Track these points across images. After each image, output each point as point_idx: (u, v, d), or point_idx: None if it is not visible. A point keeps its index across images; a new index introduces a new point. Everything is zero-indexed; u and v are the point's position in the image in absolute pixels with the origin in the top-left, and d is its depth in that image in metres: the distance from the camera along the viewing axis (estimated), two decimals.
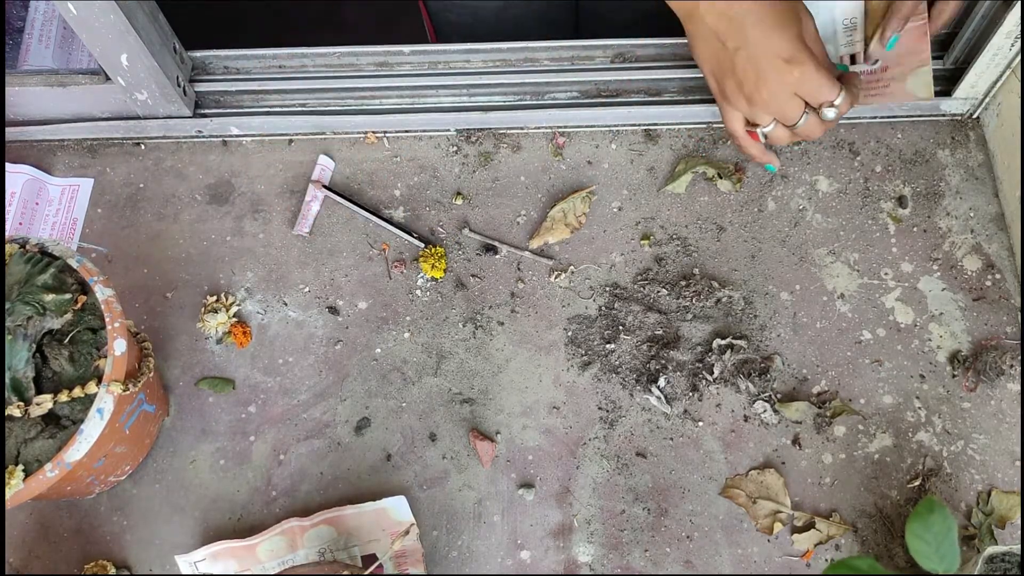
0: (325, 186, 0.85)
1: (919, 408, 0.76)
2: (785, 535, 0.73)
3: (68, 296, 0.67)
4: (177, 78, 0.83)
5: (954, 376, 0.77)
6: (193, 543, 0.74)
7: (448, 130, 0.88)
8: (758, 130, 0.71)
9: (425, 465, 0.76)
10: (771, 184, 0.85)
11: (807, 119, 0.70)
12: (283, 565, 0.73)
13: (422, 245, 0.82)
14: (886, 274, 0.81)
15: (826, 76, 0.68)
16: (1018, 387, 0.76)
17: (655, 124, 0.87)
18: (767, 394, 0.77)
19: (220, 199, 0.87)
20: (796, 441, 0.76)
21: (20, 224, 0.84)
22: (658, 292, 0.81)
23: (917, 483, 0.74)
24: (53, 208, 0.86)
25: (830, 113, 0.69)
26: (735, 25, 0.66)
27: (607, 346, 0.79)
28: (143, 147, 0.89)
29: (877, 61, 0.78)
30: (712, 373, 0.77)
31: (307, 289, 0.83)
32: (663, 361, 0.78)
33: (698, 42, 0.70)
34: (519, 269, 0.83)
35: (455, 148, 0.87)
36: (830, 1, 0.78)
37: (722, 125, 0.86)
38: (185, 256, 0.84)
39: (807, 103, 0.69)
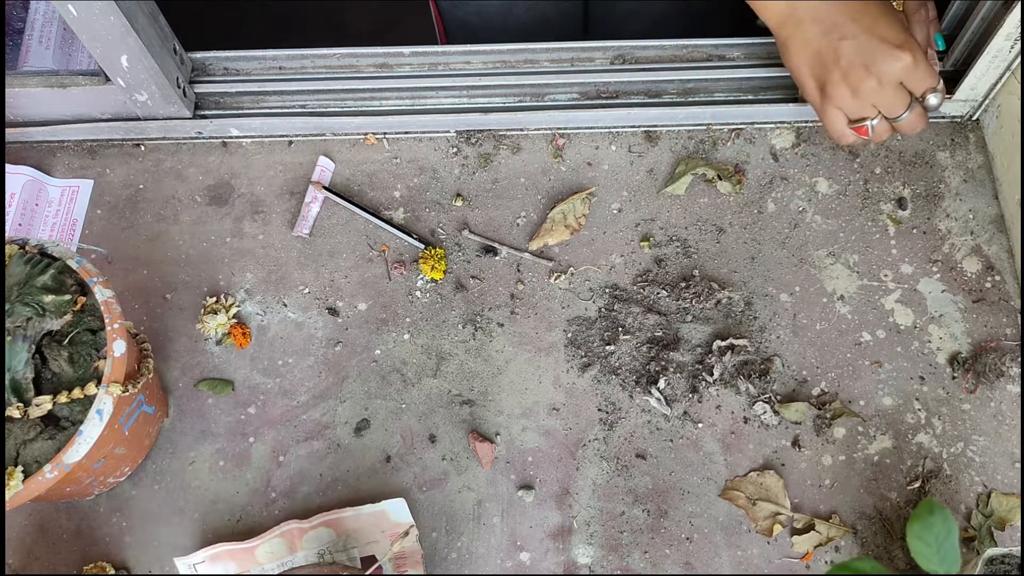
0: (325, 187, 0.85)
1: (919, 410, 0.76)
2: (785, 537, 0.73)
3: (67, 297, 0.67)
4: (177, 79, 0.83)
5: (954, 378, 0.77)
6: (192, 545, 0.74)
7: (448, 131, 0.88)
8: (866, 123, 0.71)
9: (425, 467, 0.76)
10: (771, 186, 0.85)
11: (911, 111, 0.70)
12: (282, 567, 0.73)
13: (422, 246, 0.82)
14: (886, 276, 0.81)
15: (928, 63, 0.69)
16: (1018, 389, 0.76)
17: (655, 126, 0.87)
18: (767, 396, 0.77)
19: (220, 200, 0.86)
20: (796, 443, 0.76)
21: (20, 225, 0.84)
22: (658, 294, 0.81)
23: (917, 485, 0.73)
24: (53, 209, 0.86)
25: (934, 99, 0.70)
26: (841, 16, 0.67)
27: (607, 348, 0.79)
28: (143, 148, 0.89)
29: None
30: (712, 375, 0.77)
31: (307, 290, 0.82)
32: (663, 363, 0.78)
33: (794, 44, 0.70)
34: (519, 271, 0.83)
35: (455, 149, 0.87)
36: None
37: (722, 126, 0.87)
38: (185, 257, 0.84)
39: (911, 95, 0.69)
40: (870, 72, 0.68)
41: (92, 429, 0.63)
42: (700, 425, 0.76)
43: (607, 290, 0.81)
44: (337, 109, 0.87)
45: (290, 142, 0.88)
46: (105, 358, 0.65)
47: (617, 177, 0.86)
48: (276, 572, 0.72)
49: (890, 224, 0.83)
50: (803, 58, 0.70)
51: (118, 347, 0.65)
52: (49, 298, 0.66)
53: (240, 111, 0.87)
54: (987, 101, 0.83)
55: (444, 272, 0.82)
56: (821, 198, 0.84)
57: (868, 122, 0.71)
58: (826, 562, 0.72)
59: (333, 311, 0.82)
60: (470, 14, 1.03)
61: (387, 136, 0.88)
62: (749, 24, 0.89)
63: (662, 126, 0.87)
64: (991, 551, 0.66)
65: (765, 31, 0.82)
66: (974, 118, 0.86)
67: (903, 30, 0.68)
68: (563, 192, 0.85)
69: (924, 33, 0.77)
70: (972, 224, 0.82)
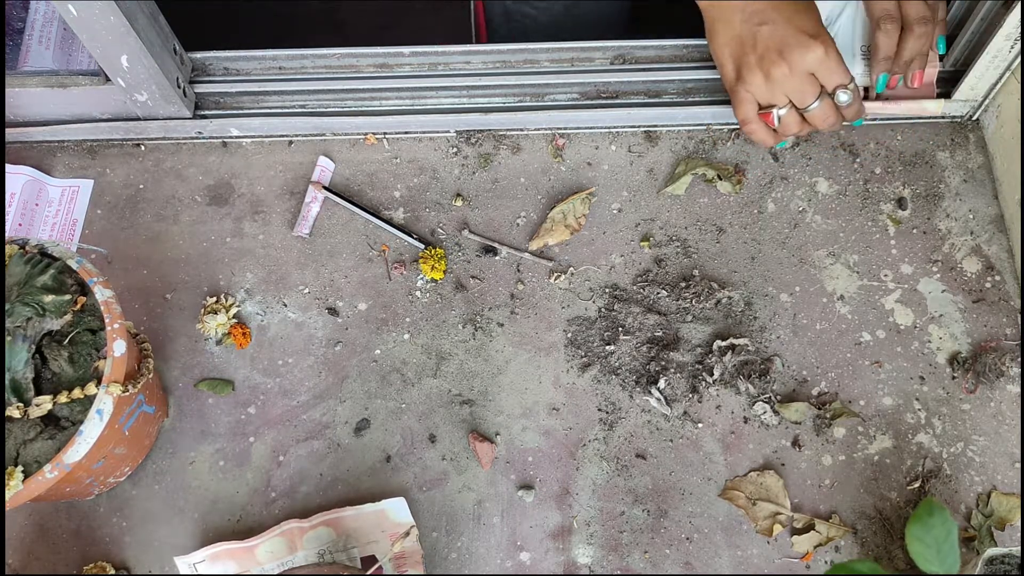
0: (325, 187, 0.85)
1: (919, 410, 0.76)
2: (785, 537, 0.73)
3: (68, 297, 0.67)
4: (177, 79, 0.83)
5: (954, 378, 0.77)
6: (192, 544, 0.74)
7: (448, 131, 0.88)
8: (773, 112, 0.72)
9: (425, 466, 0.76)
10: (771, 186, 0.85)
11: (820, 103, 0.71)
12: (282, 567, 0.73)
13: (422, 246, 0.82)
14: (886, 276, 0.81)
15: (841, 60, 0.71)
16: (1018, 389, 0.76)
17: (655, 126, 0.87)
18: (767, 396, 0.77)
19: (220, 200, 0.86)
20: (796, 443, 0.76)
21: (20, 225, 0.84)
22: (658, 293, 0.81)
23: (917, 485, 0.73)
24: (53, 209, 0.86)
25: (844, 96, 0.72)
26: (764, 4, 0.70)
27: (607, 347, 0.79)
28: (143, 148, 0.89)
29: (888, 98, 0.82)
30: (712, 375, 0.77)
31: (307, 290, 0.82)
32: (663, 362, 0.78)
33: (719, 26, 0.73)
34: (519, 271, 0.83)
35: (455, 149, 0.87)
36: (850, 25, 0.80)
37: (722, 126, 0.87)
38: (185, 257, 0.84)
39: (822, 88, 0.72)
40: (783, 58, 0.70)
41: (92, 429, 0.63)
42: (700, 425, 0.76)
43: (607, 290, 0.81)
44: (337, 109, 0.87)
45: (290, 142, 0.88)
46: (105, 358, 0.65)
47: (617, 177, 0.86)
48: (276, 572, 0.72)
49: (890, 224, 0.83)
50: (725, 39, 0.73)
51: (118, 347, 0.65)
52: (49, 298, 0.66)
53: (240, 111, 0.87)
54: (987, 101, 0.83)
55: (444, 272, 0.82)
56: (821, 198, 0.84)
57: (776, 110, 0.73)
58: (826, 562, 0.72)
59: (333, 311, 0.82)
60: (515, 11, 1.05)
61: (387, 136, 0.88)
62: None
63: (662, 126, 0.87)
64: (991, 551, 0.66)
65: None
66: (974, 118, 0.86)
67: (819, 23, 0.71)
68: (563, 192, 0.85)
69: (926, 39, 0.76)
70: (972, 224, 0.82)
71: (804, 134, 0.76)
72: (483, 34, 1.16)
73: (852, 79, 0.72)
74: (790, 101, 0.73)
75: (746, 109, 0.75)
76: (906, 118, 0.85)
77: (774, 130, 0.76)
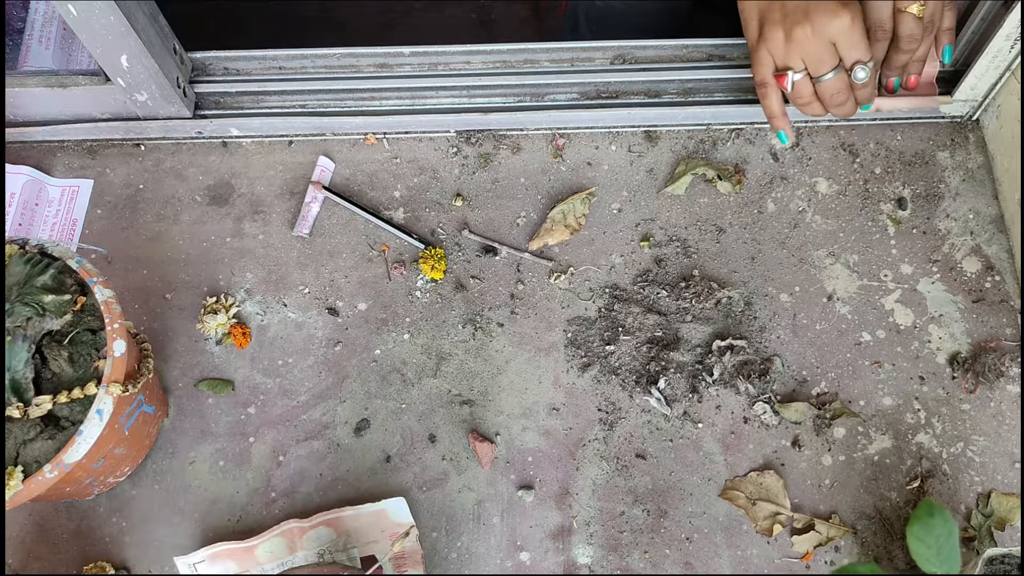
0: (325, 187, 0.85)
1: (919, 410, 0.76)
2: (785, 537, 0.73)
3: (67, 297, 0.67)
4: (177, 79, 0.83)
5: (954, 378, 0.77)
6: (192, 544, 0.74)
7: (448, 131, 0.88)
8: (787, 76, 0.72)
9: (424, 466, 0.76)
10: (771, 186, 0.85)
11: (835, 75, 0.71)
12: (282, 567, 0.73)
13: (422, 246, 0.82)
14: (886, 276, 0.81)
15: (865, 35, 0.70)
16: (1018, 389, 0.76)
17: (655, 125, 0.87)
18: (767, 396, 0.77)
19: (220, 200, 0.86)
20: (796, 443, 0.76)
21: (20, 225, 0.84)
22: (658, 293, 0.81)
23: (915, 485, 0.73)
24: (53, 209, 0.86)
25: (861, 74, 0.72)
26: None
27: (607, 347, 0.79)
28: (143, 148, 0.89)
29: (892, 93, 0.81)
30: (712, 375, 0.77)
31: (307, 290, 0.82)
32: (663, 363, 0.78)
33: None
34: (519, 271, 0.83)
35: (455, 149, 0.87)
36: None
37: (722, 126, 0.87)
38: (185, 257, 0.84)
39: (840, 60, 0.71)
40: (808, 19, 0.70)
41: (92, 429, 0.63)
42: (700, 425, 0.76)
43: (607, 290, 0.81)
44: (337, 109, 0.86)
45: (290, 142, 0.88)
46: (105, 358, 0.65)
47: (617, 177, 0.86)
48: (276, 572, 0.72)
49: (890, 224, 0.83)
50: None
51: (118, 347, 0.65)
52: (49, 298, 0.66)
53: (240, 111, 0.87)
54: (987, 101, 0.83)
55: (444, 272, 0.82)
56: (821, 198, 0.84)
57: (791, 74, 0.73)
58: (826, 562, 0.72)
59: (333, 311, 0.82)
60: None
61: (387, 136, 0.88)
62: None
63: (662, 126, 0.87)
64: (991, 551, 0.66)
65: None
66: (974, 118, 0.86)
67: None
68: (563, 192, 0.85)
69: (928, 46, 0.75)
70: (972, 224, 0.82)
71: (816, 113, 0.75)
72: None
73: (872, 58, 0.71)
74: (806, 69, 0.72)
75: (764, 71, 0.74)
76: (916, 113, 0.85)
77: (785, 101, 0.75)
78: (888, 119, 0.86)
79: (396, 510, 0.73)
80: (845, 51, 0.71)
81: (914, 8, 0.72)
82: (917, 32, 0.73)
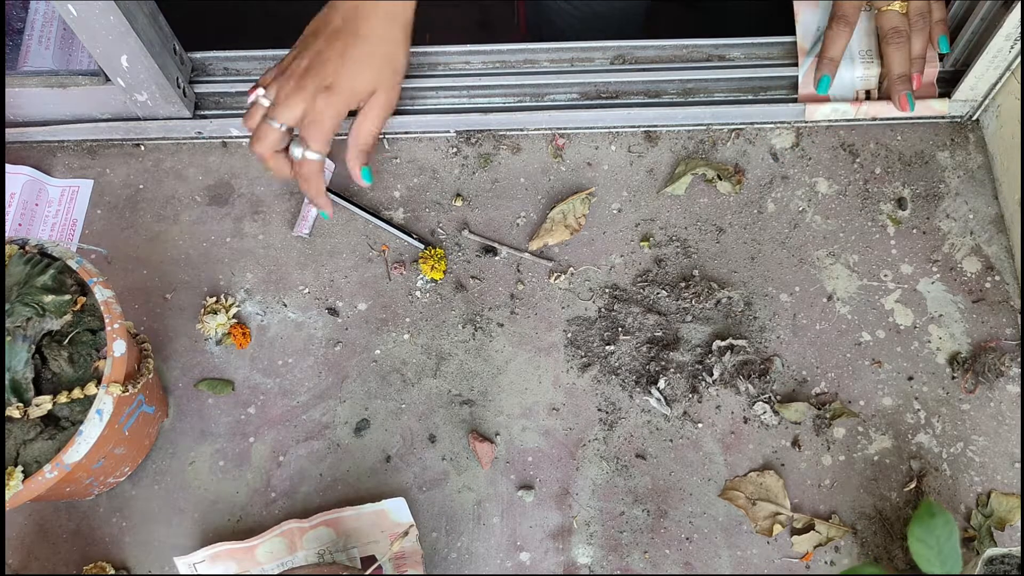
0: (327, 189, 0.85)
1: (918, 410, 0.76)
2: (784, 537, 0.73)
3: (67, 297, 0.67)
4: (177, 79, 0.83)
5: (954, 378, 0.77)
6: (192, 545, 0.74)
7: (448, 132, 0.88)
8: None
9: (424, 467, 0.76)
10: (771, 186, 0.85)
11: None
12: (282, 567, 0.73)
13: (422, 246, 0.82)
14: (886, 276, 0.81)
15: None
16: (1018, 389, 0.76)
17: (655, 126, 0.87)
18: (767, 396, 0.77)
19: (220, 200, 0.86)
20: (796, 443, 0.76)
21: (19, 225, 0.84)
22: (658, 294, 0.81)
23: (913, 485, 0.73)
24: (53, 209, 0.86)
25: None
26: None
27: (607, 348, 0.79)
28: (143, 148, 0.89)
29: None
30: (712, 375, 0.77)
31: (307, 290, 0.82)
32: (663, 363, 0.78)
33: None
34: (519, 271, 0.83)
35: (455, 150, 0.87)
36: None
37: (722, 126, 0.87)
38: (185, 257, 0.84)
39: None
40: None
41: (92, 429, 0.63)
42: (700, 425, 0.76)
43: (607, 290, 0.81)
44: None
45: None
46: (105, 358, 0.65)
47: (617, 177, 0.86)
48: (276, 572, 0.72)
49: (890, 224, 0.83)
50: None
51: (118, 347, 0.65)
52: (49, 298, 0.66)
53: (240, 111, 0.87)
54: (987, 101, 0.83)
55: (444, 272, 0.82)
56: (821, 198, 0.84)
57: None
58: (826, 562, 0.72)
59: (333, 311, 0.82)
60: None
61: (387, 136, 0.88)
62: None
63: (662, 126, 0.87)
64: (991, 551, 0.66)
65: (765, 30, 0.83)
66: (974, 118, 0.86)
67: None
68: (563, 192, 0.85)
69: (923, 41, 0.78)
70: (972, 224, 0.82)
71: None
72: (523, 28, 1.20)
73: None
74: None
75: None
76: (912, 117, 0.85)
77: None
78: (888, 119, 0.86)
79: (396, 510, 0.73)
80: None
81: (896, 5, 0.79)
82: (902, 26, 0.79)
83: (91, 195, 0.87)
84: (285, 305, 0.82)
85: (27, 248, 0.68)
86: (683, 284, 0.81)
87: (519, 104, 0.86)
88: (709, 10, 1.16)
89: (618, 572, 0.73)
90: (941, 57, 0.83)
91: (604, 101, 0.86)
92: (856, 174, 0.85)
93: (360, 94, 0.75)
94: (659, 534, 0.73)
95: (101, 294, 0.66)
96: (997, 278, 0.80)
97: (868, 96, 0.84)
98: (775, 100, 0.85)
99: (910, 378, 0.77)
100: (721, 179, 0.85)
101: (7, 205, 0.84)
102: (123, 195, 0.87)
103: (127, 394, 0.65)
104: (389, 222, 0.84)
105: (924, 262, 0.81)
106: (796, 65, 0.84)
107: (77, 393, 0.64)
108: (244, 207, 0.86)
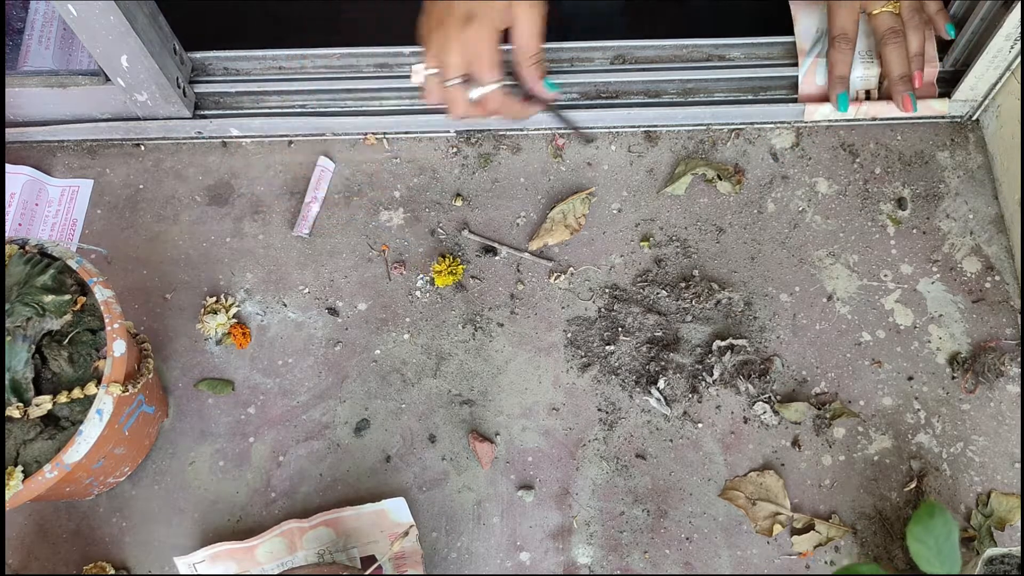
0: (549, 104, 0.81)
1: (918, 410, 0.76)
2: (784, 537, 0.73)
3: (67, 297, 0.67)
4: (177, 79, 0.83)
5: (953, 378, 0.77)
6: (192, 545, 0.74)
7: (448, 131, 0.88)
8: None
9: (424, 467, 0.76)
10: (771, 186, 0.85)
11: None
12: (282, 567, 0.73)
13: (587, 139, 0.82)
14: (885, 276, 0.81)
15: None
16: (1017, 389, 0.76)
17: (655, 126, 0.87)
18: (767, 396, 0.77)
19: (220, 200, 0.86)
20: (796, 443, 0.76)
21: (20, 225, 0.84)
22: (658, 294, 0.81)
23: (913, 485, 0.73)
24: (53, 209, 0.86)
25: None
26: None
27: (607, 348, 0.79)
28: (143, 148, 0.89)
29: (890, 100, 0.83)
30: (712, 375, 0.77)
31: (307, 290, 0.82)
32: (663, 363, 0.78)
33: None
34: (519, 271, 0.83)
35: (455, 149, 0.87)
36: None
37: (722, 126, 0.87)
38: (185, 257, 0.84)
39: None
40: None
41: (92, 429, 0.63)
42: (700, 425, 0.76)
43: (607, 290, 0.81)
44: (337, 109, 0.87)
45: (290, 142, 0.88)
46: (105, 358, 0.65)
47: (617, 177, 0.86)
48: (276, 572, 0.72)
49: (890, 224, 0.83)
50: None
51: (118, 347, 0.65)
52: (49, 298, 0.66)
53: (240, 111, 0.87)
54: (987, 101, 0.83)
55: (460, 276, 0.81)
56: (821, 198, 0.84)
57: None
58: (826, 562, 0.72)
59: (333, 311, 0.82)
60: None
61: (387, 136, 0.88)
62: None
63: (662, 126, 0.87)
64: (991, 551, 0.66)
65: (763, 30, 0.83)
66: (974, 118, 0.86)
67: None
68: (563, 192, 0.85)
69: (919, 38, 0.79)
70: (972, 224, 0.82)
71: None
72: None
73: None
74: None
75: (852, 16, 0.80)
76: (911, 117, 0.85)
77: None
78: (888, 119, 0.86)
79: (396, 510, 0.73)
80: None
81: (888, 6, 0.80)
82: (897, 25, 0.79)
83: (91, 195, 0.87)
84: (285, 305, 0.82)
85: (27, 248, 0.68)
86: (683, 284, 0.81)
87: None
88: (698, 8, 1.15)
89: (618, 572, 0.73)
90: (947, 46, 0.82)
91: (604, 101, 0.86)
92: (856, 174, 0.85)
93: (499, 9, 0.73)
94: (659, 534, 0.73)
95: (101, 294, 0.66)
96: (997, 278, 0.80)
97: (868, 96, 0.84)
98: (775, 100, 0.85)
99: (910, 378, 0.77)
100: (721, 179, 0.85)
101: (7, 205, 0.84)
102: (123, 195, 0.87)
103: (127, 394, 0.65)
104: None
105: (924, 262, 0.81)
106: (796, 65, 0.84)
107: (77, 393, 0.64)
108: (244, 207, 0.86)
